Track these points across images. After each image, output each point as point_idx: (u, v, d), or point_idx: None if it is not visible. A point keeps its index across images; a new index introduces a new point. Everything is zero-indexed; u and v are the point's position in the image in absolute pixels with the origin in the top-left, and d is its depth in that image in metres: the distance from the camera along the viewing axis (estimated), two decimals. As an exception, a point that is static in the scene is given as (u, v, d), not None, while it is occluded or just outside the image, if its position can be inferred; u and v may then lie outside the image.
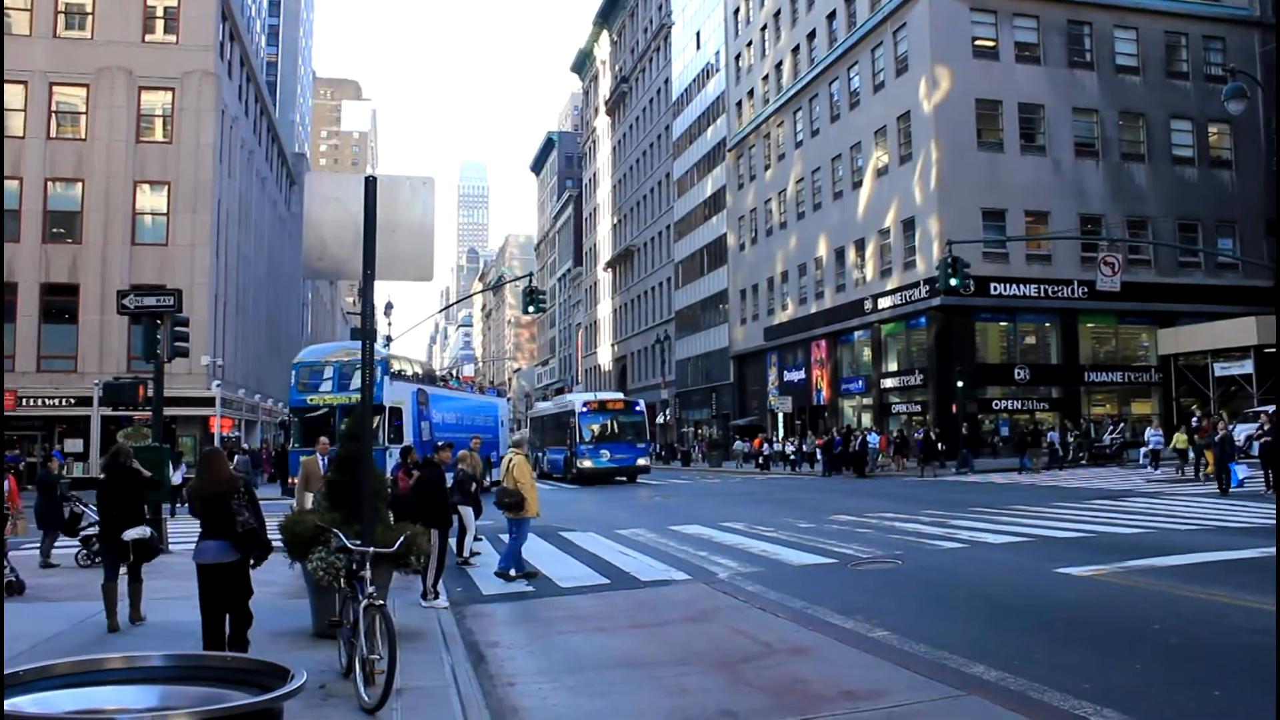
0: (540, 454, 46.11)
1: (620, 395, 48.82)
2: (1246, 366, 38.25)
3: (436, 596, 11.55)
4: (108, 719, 2.98)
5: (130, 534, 9.68)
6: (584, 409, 40.23)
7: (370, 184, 8.29)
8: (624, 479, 39.61)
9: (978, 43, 42.97)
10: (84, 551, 14.95)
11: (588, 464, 38.87)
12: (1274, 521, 17.33)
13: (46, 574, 14.39)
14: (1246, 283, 42.27)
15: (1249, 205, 43.93)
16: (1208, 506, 20.40)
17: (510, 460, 13.52)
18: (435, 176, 9.10)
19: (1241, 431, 30.12)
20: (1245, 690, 7.00)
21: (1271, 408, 31.68)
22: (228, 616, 7.87)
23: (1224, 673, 7.44)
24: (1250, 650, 8.10)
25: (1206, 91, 43.50)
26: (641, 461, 40.48)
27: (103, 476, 10.16)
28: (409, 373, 30.52)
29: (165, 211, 41.03)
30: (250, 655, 3.64)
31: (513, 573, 13.51)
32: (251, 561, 7.98)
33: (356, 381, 27.05)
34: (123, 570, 10.06)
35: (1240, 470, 24.21)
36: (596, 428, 39.96)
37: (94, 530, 13.70)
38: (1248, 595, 10.20)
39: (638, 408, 42.12)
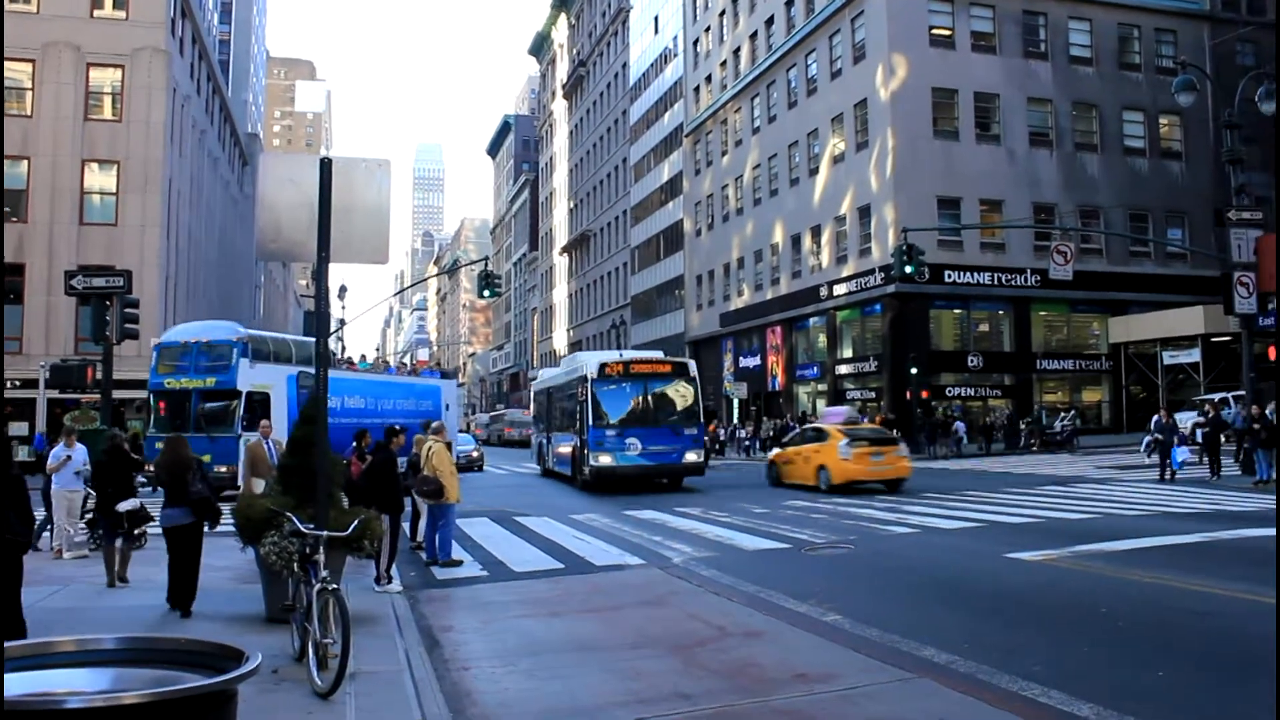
0: (545, 443, 34.10)
1: (658, 354, 32.26)
2: (1194, 355, 38.92)
3: (390, 581, 11.52)
4: (58, 702, 2.95)
5: (124, 506, 11.07)
6: (599, 375, 26.15)
7: (326, 165, 8.21)
8: (665, 482, 26.41)
9: (935, 31, 43.21)
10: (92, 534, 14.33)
11: (605, 460, 25.32)
12: (1215, 507, 17.73)
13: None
14: (1195, 273, 42.90)
15: (1198, 196, 44.56)
16: (1151, 492, 20.82)
17: (430, 448, 13.53)
18: (391, 159, 9.06)
19: (1187, 419, 30.59)
20: (1187, 671, 7.18)
21: (1217, 396, 32.38)
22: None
23: (1167, 654, 7.62)
24: (1192, 632, 8.31)
25: (1158, 83, 44.08)
26: (691, 456, 25.99)
27: (102, 459, 11.79)
28: (291, 355, 28.85)
29: (114, 191, 40.22)
30: (203, 638, 3.62)
31: (456, 557, 13.54)
32: (206, 525, 9.77)
33: (215, 363, 26.48)
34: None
35: (1181, 453, 24.52)
36: (621, 404, 26.19)
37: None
38: (1191, 579, 10.47)
39: (687, 372, 27.26)
